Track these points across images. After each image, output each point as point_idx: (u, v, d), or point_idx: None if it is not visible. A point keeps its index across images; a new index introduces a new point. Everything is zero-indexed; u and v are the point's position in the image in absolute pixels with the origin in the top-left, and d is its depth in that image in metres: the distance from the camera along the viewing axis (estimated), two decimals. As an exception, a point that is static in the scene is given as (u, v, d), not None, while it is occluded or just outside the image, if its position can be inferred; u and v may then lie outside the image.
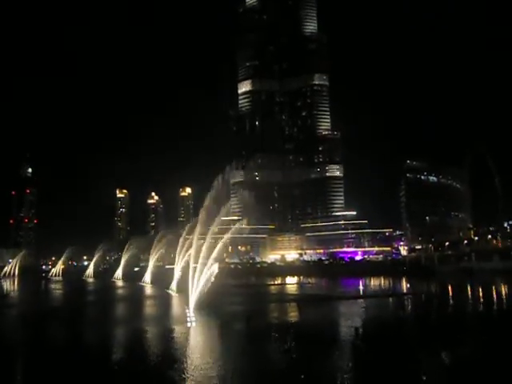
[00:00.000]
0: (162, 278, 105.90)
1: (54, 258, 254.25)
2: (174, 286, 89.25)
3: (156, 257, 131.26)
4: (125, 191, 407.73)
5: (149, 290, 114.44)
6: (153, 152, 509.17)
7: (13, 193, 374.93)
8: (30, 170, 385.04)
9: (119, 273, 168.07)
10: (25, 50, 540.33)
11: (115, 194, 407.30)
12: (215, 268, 58.52)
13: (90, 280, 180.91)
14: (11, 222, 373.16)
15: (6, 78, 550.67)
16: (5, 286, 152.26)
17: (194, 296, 50.93)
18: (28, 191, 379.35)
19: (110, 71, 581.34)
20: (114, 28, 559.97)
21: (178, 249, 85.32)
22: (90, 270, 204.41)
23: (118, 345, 42.64)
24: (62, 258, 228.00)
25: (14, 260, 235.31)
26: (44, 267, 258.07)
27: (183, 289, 51.70)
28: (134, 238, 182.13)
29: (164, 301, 78.04)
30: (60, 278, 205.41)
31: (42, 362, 34.74)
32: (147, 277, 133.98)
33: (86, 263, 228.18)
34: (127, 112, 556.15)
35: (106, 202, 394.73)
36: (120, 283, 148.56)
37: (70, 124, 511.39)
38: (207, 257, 55.06)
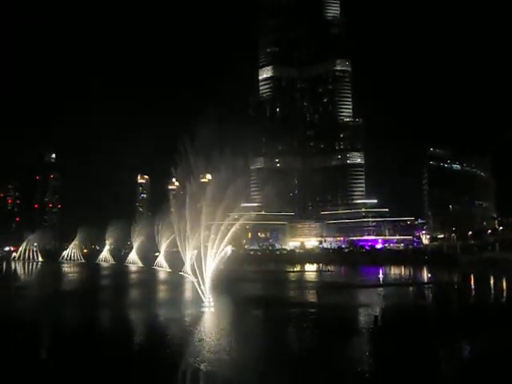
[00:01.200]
0: (181, 263, 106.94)
1: (76, 242, 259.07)
2: (188, 269, 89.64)
3: (168, 241, 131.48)
4: (146, 177, 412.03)
5: (165, 274, 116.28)
6: (173, 138, 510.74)
7: (37, 177, 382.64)
8: (53, 155, 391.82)
9: (133, 257, 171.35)
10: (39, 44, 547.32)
11: (137, 180, 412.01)
12: (228, 250, 58.88)
13: (106, 264, 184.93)
14: (36, 206, 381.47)
15: (33, 66, 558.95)
16: (13, 268, 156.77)
17: (208, 280, 51.75)
18: (52, 176, 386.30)
19: (129, 62, 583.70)
20: (132, 15, 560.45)
21: (174, 232, 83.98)
22: (106, 255, 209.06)
23: (136, 330, 43.17)
24: (74, 241, 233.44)
25: (24, 243, 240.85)
26: (68, 251, 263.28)
27: (200, 273, 52.31)
28: (139, 223, 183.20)
29: (181, 285, 78.89)
30: (82, 261, 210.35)
31: (60, 347, 35.37)
32: (162, 261, 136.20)
33: (107, 247, 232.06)
34: (148, 99, 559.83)
35: (127, 188, 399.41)
36: (134, 267, 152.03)
37: (92, 110, 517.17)
38: (224, 242, 55.50)
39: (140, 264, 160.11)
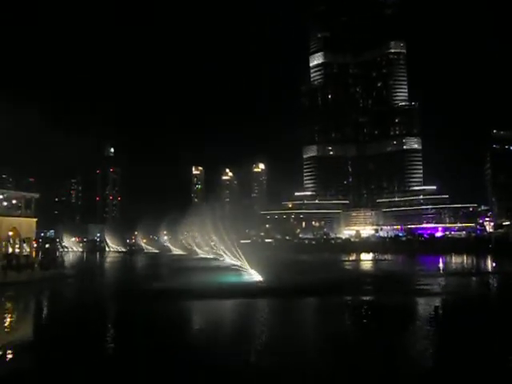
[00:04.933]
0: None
1: (136, 233, 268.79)
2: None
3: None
4: (200, 168, 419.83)
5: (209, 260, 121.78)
6: (227, 129, 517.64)
7: (97, 171, 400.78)
8: (112, 149, 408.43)
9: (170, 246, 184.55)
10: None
11: (191, 171, 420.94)
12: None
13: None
14: (97, 199, 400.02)
15: (94, 65, 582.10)
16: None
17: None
18: (112, 170, 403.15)
19: (184, 57, 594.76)
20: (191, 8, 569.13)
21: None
22: (143, 245, 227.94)
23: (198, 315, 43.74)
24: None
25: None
26: (128, 241, 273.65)
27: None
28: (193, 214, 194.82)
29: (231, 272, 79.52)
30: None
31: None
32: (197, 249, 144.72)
33: (165, 237, 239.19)
34: (202, 91, 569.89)
35: (183, 180, 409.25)
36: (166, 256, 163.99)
37: (149, 106, 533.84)
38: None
39: (180, 251, 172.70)
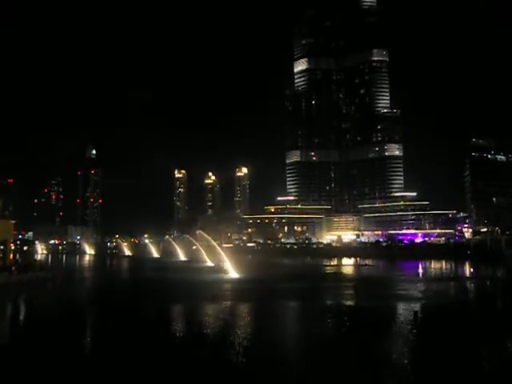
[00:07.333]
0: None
1: (117, 236, 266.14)
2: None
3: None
4: (183, 171, 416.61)
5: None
6: (210, 132, 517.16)
7: (78, 173, 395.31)
8: (93, 151, 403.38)
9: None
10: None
11: (174, 175, 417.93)
12: None
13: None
14: (78, 201, 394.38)
15: (76, 65, 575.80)
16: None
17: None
18: (93, 172, 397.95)
19: (169, 59, 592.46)
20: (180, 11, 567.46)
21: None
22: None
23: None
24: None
25: None
26: (108, 244, 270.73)
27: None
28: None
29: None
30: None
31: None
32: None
33: (146, 241, 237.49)
34: (183, 95, 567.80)
35: (165, 183, 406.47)
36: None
37: (131, 108, 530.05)
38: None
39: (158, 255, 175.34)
